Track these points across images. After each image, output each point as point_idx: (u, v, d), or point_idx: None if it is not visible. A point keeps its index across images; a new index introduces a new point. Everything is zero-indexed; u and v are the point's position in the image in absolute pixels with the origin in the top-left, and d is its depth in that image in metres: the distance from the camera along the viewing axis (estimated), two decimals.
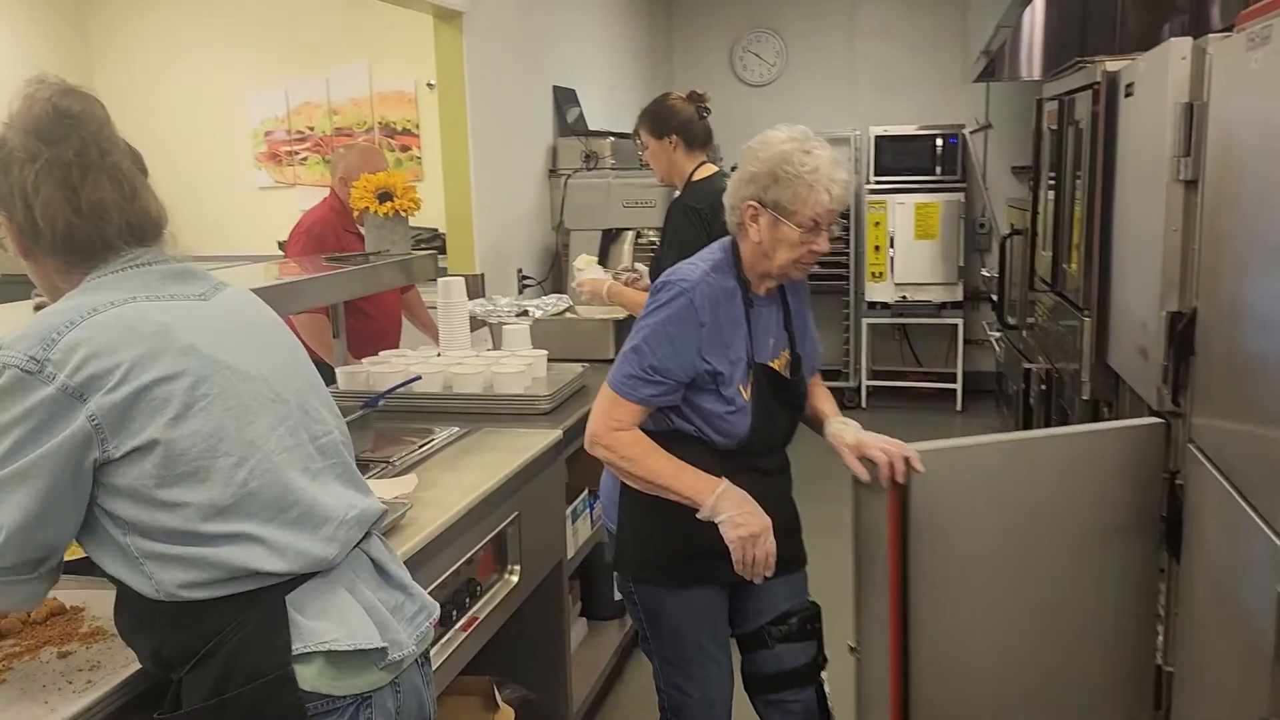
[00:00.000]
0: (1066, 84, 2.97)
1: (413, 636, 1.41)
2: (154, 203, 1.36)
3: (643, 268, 3.54)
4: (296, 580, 1.31)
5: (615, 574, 2.14)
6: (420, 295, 3.93)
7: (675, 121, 3.15)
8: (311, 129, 6.31)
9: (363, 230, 3.69)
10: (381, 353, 3.11)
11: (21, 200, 1.27)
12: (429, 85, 5.61)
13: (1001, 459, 2.01)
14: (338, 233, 3.59)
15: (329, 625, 1.30)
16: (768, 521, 1.86)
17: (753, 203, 1.89)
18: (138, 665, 1.35)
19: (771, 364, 2.00)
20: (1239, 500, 1.67)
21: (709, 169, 3.21)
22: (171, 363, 1.25)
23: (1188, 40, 2.01)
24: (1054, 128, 3.20)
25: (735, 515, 1.83)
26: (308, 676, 1.27)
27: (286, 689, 1.26)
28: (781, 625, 2.11)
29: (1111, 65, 2.56)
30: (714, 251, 2.00)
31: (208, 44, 6.05)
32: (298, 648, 1.27)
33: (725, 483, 1.87)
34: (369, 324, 3.54)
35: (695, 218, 3.07)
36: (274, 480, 1.31)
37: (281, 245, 4.61)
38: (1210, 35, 1.95)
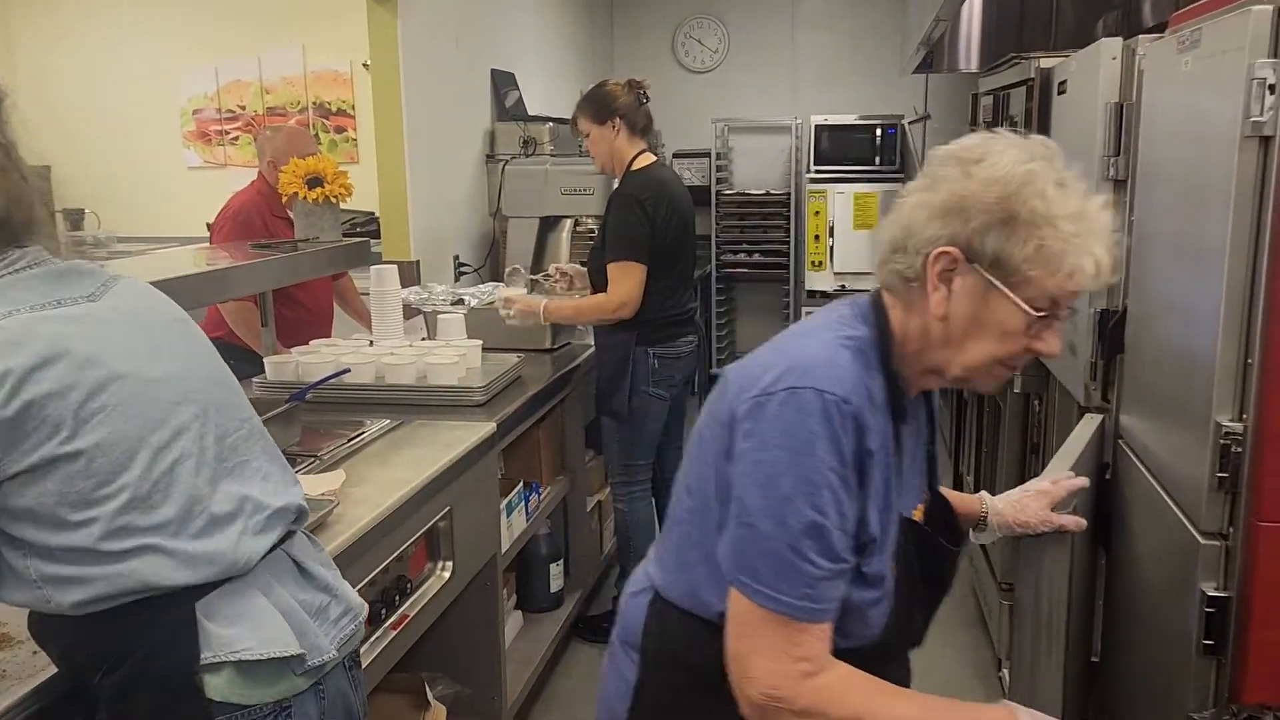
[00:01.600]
0: (1002, 79, 2.99)
1: (335, 640, 1.36)
2: (39, 203, 1.26)
3: (575, 268, 3.49)
4: (208, 586, 1.26)
5: None
6: (353, 282, 3.85)
7: (618, 106, 3.12)
8: (243, 108, 6.14)
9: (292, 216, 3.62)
10: (312, 342, 3.03)
11: None
12: (365, 66, 5.50)
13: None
14: (265, 218, 3.49)
15: (240, 632, 1.25)
16: None
17: (952, 250, 1.15)
18: (43, 676, 1.30)
19: (913, 515, 1.34)
20: (1164, 496, 1.70)
21: (648, 158, 3.18)
22: (64, 376, 1.17)
23: (1118, 40, 2.03)
24: (989, 122, 3.22)
25: None
26: (217, 686, 1.23)
27: (193, 699, 1.22)
28: None
29: (1045, 62, 2.59)
30: (846, 322, 1.25)
31: (137, 21, 5.87)
32: (206, 657, 1.22)
33: (1014, 707, 1.21)
34: (300, 312, 3.46)
35: (639, 208, 3.05)
36: (181, 489, 1.25)
37: (210, 228, 4.49)
38: (1141, 36, 1.97)
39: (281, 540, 1.37)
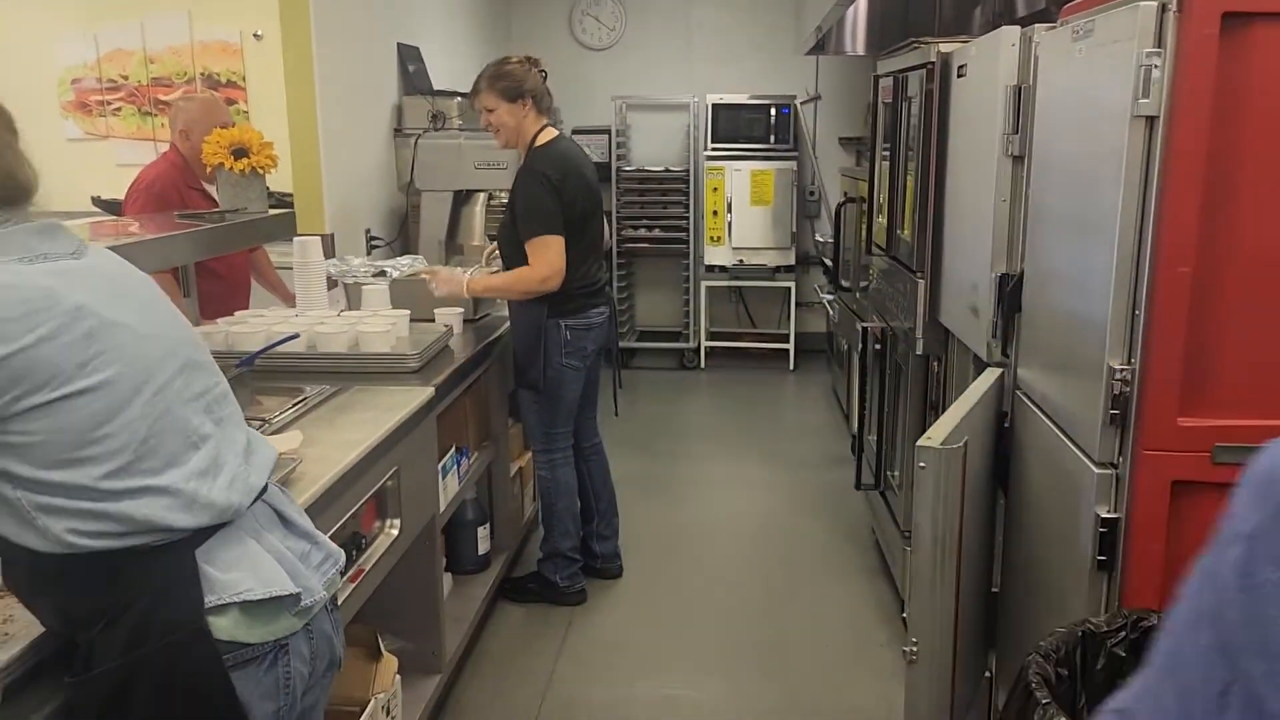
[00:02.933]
0: (902, 62, 3.20)
1: (321, 583, 1.46)
2: (24, 167, 1.32)
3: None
4: (205, 533, 1.33)
5: None
6: (268, 255, 3.84)
7: (528, 86, 3.20)
8: (125, 78, 5.95)
9: (208, 187, 3.59)
10: (237, 313, 3.05)
11: None
12: (255, 36, 5.42)
13: (966, 425, 2.05)
14: (181, 189, 3.46)
15: (241, 575, 1.33)
16: None
17: None
18: (25, 640, 1.32)
19: None
20: (1060, 436, 1.92)
21: (551, 132, 3.28)
22: (60, 322, 1.23)
23: (1016, 29, 2.24)
24: (888, 102, 3.44)
25: None
26: (223, 627, 1.31)
27: (203, 642, 1.29)
28: None
29: (945, 47, 2.80)
30: None
31: None
32: (210, 600, 1.30)
33: None
34: (219, 284, 3.45)
35: (547, 184, 3.14)
36: (176, 434, 1.33)
37: (96, 201, 4.38)
38: (1036, 25, 2.18)
39: (261, 492, 1.45)
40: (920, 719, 1.93)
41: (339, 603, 2.01)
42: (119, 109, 5.96)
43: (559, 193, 3.14)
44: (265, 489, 1.47)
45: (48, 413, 1.21)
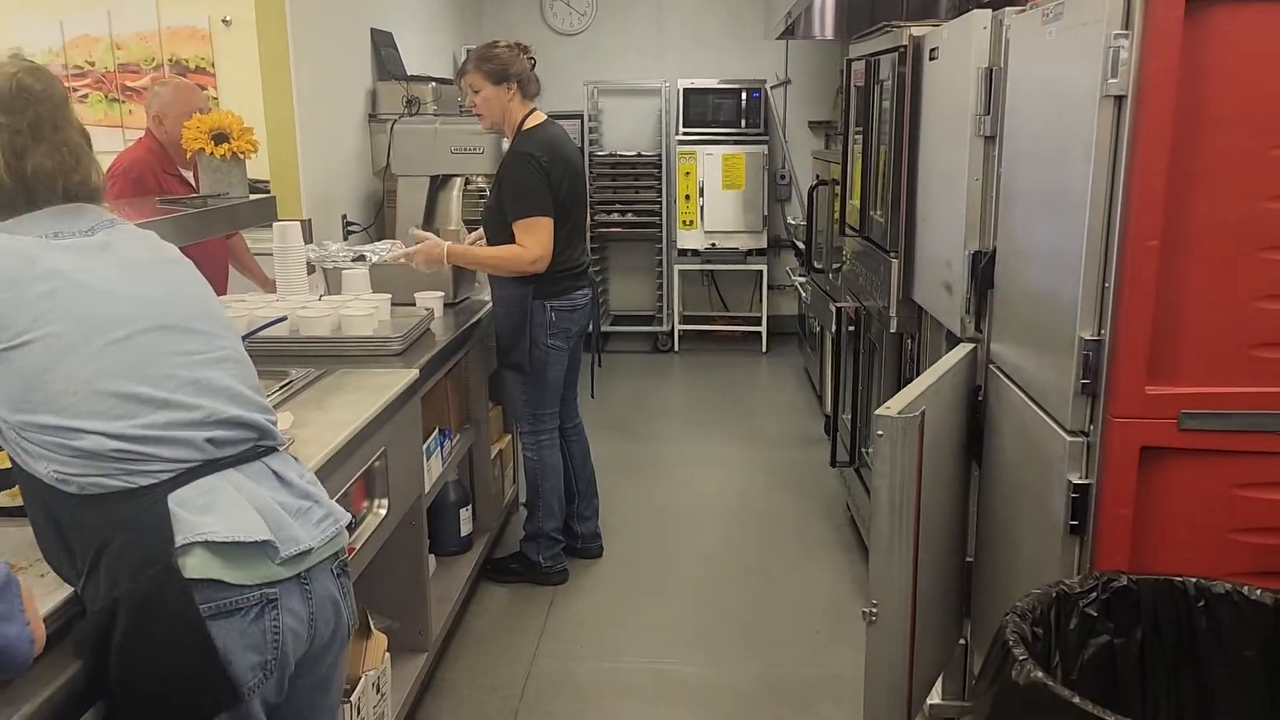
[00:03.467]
0: (874, 45, 3.25)
1: (315, 538, 1.48)
2: (95, 173, 1.47)
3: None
4: (179, 479, 1.38)
5: None
6: (245, 241, 3.84)
7: (514, 70, 3.24)
8: (92, 64, 5.88)
9: (184, 173, 3.58)
10: (219, 298, 3.05)
11: None
12: (224, 21, 5.38)
13: (933, 397, 2.10)
14: (158, 175, 3.45)
15: (209, 519, 1.37)
16: None
17: None
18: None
19: None
20: (1033, 407, 1.99)
21: (539, 116, 3.32)
22: (26, 283, 1.34)
23: (988, 13, 2.29)
24: (860, 85, 3.49)
25: None
26: (194, 566, 1.34)
27: (173, 580, 1.32)
28: None
29: (916, 30, 2.85)
30: None
31: None
32: (179, 540, 1.34)
33: None
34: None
35: (535, 165, 3.18)
36: (136, 384, 1.39)
37: None
38: (1007, 8, 2.23)
39: (262, 455, 1.49)
40: (880, 677, 2.00)
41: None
42: (86, 96, 5.89)
43: (547, 173, 3.18)
44: (268, 450, 1.51)
45: (6, 359, 1.32)
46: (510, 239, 3.19)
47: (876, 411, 1.94)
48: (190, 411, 1.42)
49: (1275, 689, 1.68)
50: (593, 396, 3.86)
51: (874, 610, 1.95)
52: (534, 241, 3.15)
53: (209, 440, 1.42)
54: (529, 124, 3.28)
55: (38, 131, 1.41)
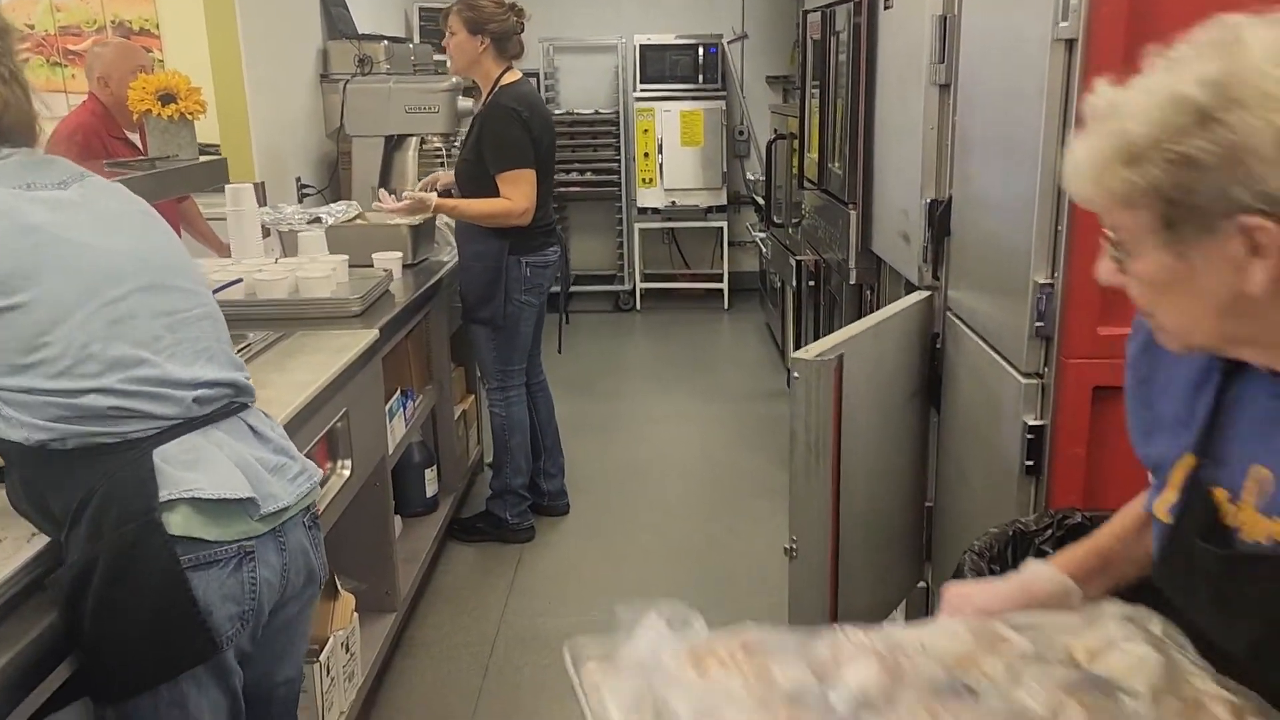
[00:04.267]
0: None
1: (292, 494, 1.50)
2: (27, 104, 1.41)
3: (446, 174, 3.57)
4: (164, 435, 1.38)
5: None
6: (198, 205, 3.77)
7: (492, 25, 3.22)
8: (31, 28, 5.70)
9: (131, 136, 3.51)
10: None
11: None
12: None
13: (872, 340, 2.17)
14: (104, 139, 3.38)
15: (196, 476, 1.38)
16: None
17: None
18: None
19: None
20: (989, 352, 2.02)
21: (516, 74, 3.32)
22: (7, 237, 1.30)
23: None
24: (816, 38, 3.49)
25: None
26: (177, 523, 1.35)
27: (155, 534, 1.33)
28: None
29: None
30: None
31: None
32: (164, 495, 1.34)
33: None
34: None
35: (517, 118, 3.19)
36: (124, 342, 1.37)
37: None
38: None
39: (237, 410, 1.49)
40: (803, 609, 2.05)
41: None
42: (26, 60, 5.71)
43: (528, 128, 3.19)
44: (241, 408, 1.50)
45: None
46: (486, 192, 3.19)
47: (793, 355, 2.00)
48: (179, 370, 1.41)
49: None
50: (559, 352, 3.87)
51: (794, 546, 2.00)
52: (519, 194, 3.17)
53: (195, 400, 1.42)
54: (508, 79, 3.29)
55: (7, 62, 1.37)
